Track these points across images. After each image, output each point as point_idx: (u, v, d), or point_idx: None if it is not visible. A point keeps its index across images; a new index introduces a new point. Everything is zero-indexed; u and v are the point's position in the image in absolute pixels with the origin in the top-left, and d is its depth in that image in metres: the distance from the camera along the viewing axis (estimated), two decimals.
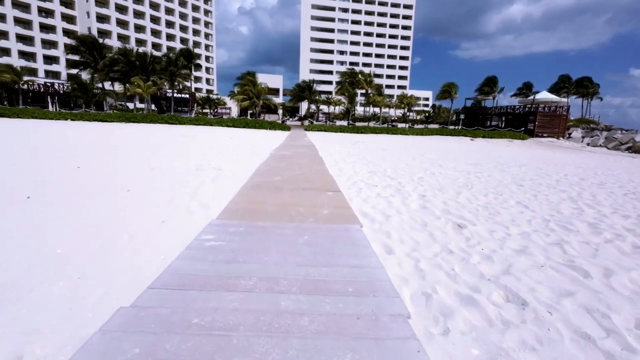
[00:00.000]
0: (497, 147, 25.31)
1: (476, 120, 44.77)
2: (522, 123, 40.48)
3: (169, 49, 65.93)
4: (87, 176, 7.12)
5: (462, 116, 41.03)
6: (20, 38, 62.43)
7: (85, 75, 38.66)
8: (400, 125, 48.64)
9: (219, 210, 4.86)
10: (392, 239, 4.19)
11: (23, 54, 63.14)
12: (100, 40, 37.51)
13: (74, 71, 38.36)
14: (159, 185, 6.51)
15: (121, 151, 12.35)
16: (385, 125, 45.43)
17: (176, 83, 42.40)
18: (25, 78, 36.42)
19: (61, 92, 41.02)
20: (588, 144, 35.23)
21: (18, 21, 61.50)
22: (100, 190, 6.01)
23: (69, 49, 36.08)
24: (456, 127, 44.99)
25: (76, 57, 36.59)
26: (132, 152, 12.07)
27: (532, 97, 43.82)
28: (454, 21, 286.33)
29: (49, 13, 64.63)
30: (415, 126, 49.18)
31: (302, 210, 4.92)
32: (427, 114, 59.59)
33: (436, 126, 52.34)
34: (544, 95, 44.34)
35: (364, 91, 51.02)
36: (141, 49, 42.67)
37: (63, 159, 9.53)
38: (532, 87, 57.69)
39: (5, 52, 60.99)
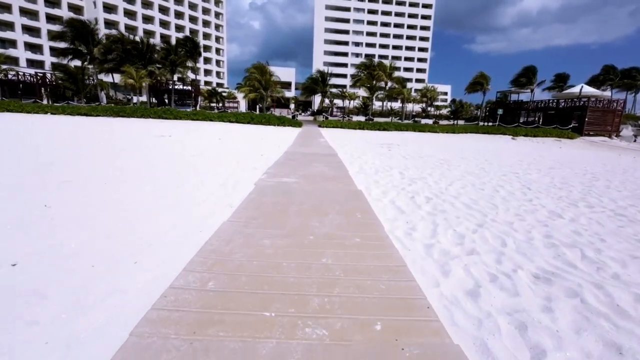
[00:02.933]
0: (553, 150, 18.84)
1: (510, 116, 37.21)
2: (566, 119, 32.88)
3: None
4: None
5: (500, 111, 33.57)
6: (27, 29, 57.42)
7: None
8: (423, 121, 41.56)
9: None
10: None
11: (30, 46, 58.23)
12: (92, 26, 31.56)
13: (64, 61, 32.58)
14: None
15: None
16: (410, 121, 38.46)
17: (178, 74, 36.39)
18: (4, 67, 30.64)
19: (54, 82, 35.57)
20: None
21: (24, 12, 56.40)
22: None
23: (53, 35, 30.14)
24: (487, 124, 37.68)
25: (64, 45, 30.87)
26: None
27: (577, 91, 35.92)
28: (470, 13, 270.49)
29: (55, 3, 59.27)
30: (441, 122, 41.92)
31: None
32: (452, 109, 51.97)
33: (462, 122, 45.00)
34: (584, 89, 36.38)
35: (382, 84, 43.92)
36: (138, 37, 36.63)
37: None
38: (568, 79, 49.48)
39: (12, 43, 56.12)
